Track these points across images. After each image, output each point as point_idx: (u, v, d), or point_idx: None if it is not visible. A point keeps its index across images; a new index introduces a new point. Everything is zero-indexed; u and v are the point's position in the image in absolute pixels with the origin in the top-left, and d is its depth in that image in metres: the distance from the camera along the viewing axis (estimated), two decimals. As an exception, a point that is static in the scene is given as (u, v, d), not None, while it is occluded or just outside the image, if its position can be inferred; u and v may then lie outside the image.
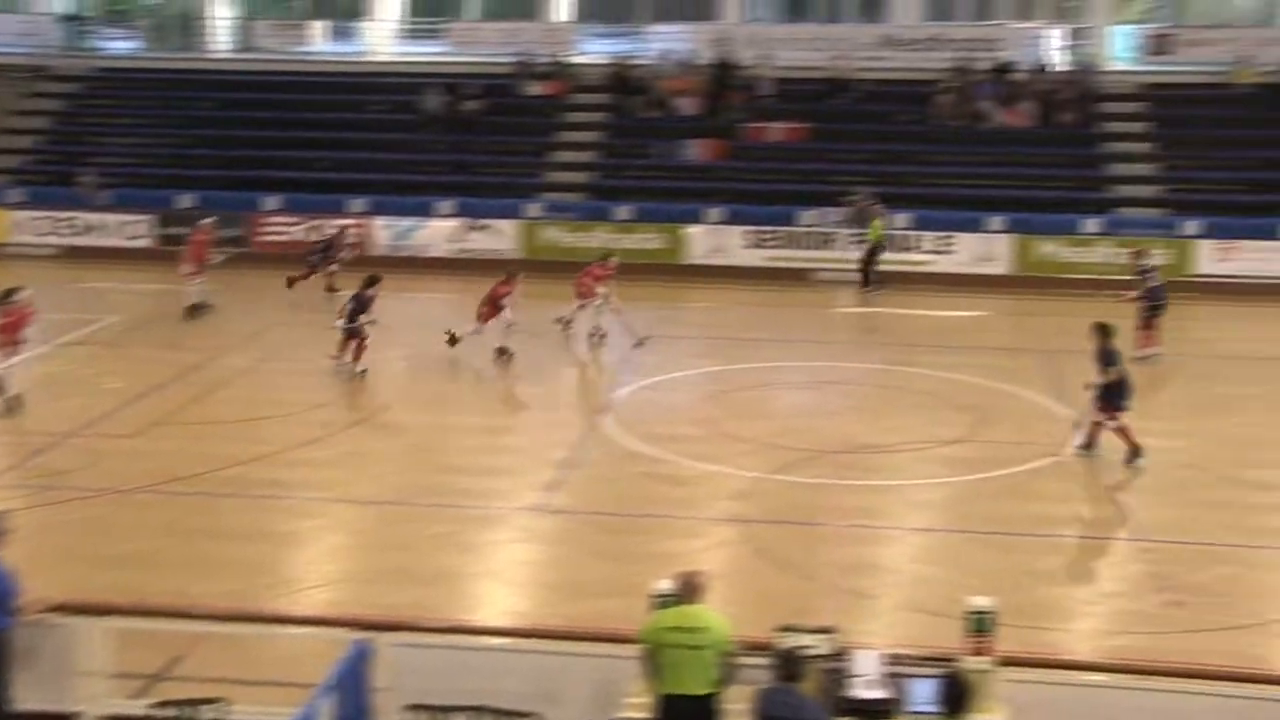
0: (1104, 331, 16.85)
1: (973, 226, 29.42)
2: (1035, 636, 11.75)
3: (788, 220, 29.95)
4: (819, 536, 14.40)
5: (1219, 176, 31.67)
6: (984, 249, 28.90)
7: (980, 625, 8.84)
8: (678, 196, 31.36)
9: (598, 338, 22.84)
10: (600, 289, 22.51)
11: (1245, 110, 32.30)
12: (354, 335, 20.58)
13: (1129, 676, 9.61)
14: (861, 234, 28.62)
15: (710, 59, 34.03)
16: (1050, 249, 29.01)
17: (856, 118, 33.05)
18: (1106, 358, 16.62)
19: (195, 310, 24.29)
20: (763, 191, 31.39)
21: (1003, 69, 33.05)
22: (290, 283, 25.85)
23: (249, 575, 13.06)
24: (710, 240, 29.59)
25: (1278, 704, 9.19)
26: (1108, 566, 14.02)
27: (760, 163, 32.42)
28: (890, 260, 28.53)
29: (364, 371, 20.49)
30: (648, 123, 33.55)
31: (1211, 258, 28.20)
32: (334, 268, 26.13)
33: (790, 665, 8.36)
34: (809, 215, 29.86)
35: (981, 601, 8.93)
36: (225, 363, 21.48)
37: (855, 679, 8.66)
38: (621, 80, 34.14)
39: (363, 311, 20.55)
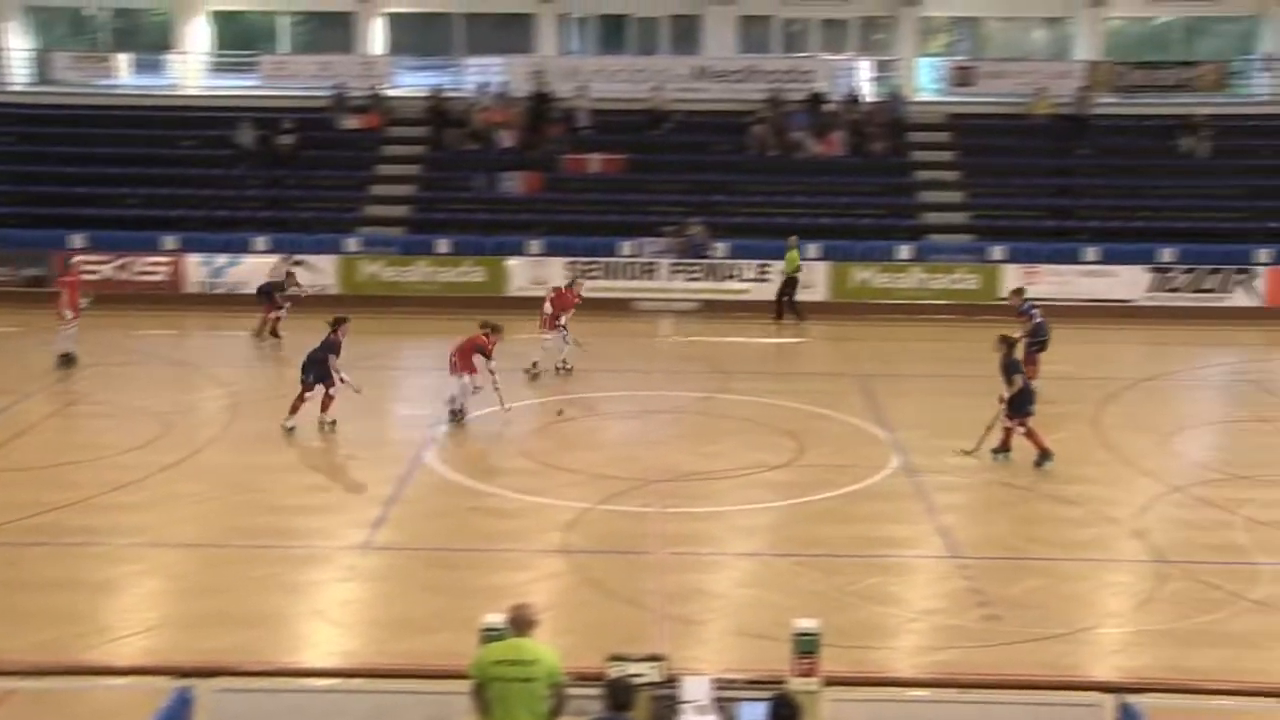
0: (1008, 344, 18.09)
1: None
2: (860, 655, 12.00)
3: (608, 251, 30.14)
4: (646, 565, 14.46)
5: (1020, 203, 32.93)
6: (801, 277, 29.47)
7: (806, 647, 8.96)
8: (498, 229, 31.33)
9: (564, 370, 22.81)
10: (562, 317, 22.83)
11: (1042, 140, 33.70)
12: (320, 381, 19.43)
13: (951, 690, 9.86)
14: (686, 263, 29.01)
15: (527, 91, 34.11)
16: (865, 275, 29.77)
17: (673, 148, 33.50)
18: (1011, 368, 17.90)
19: (67, 360, 22.89)
20: (583, 222, 31.55)
21: (815, 100, 33.87)
22: (259, 333, 24.82)
23: (61, 625, 12.54)
24: (531, 272, 29.60)
25: (1089, 708, 9.53)
26: (927, 584, 14.38)
27: (579, 194, 32.61)
28: (709, 289, 28.97)
29: (333, 423, 19.53)
30: (466, 155, 33.45)
31: (1015, 282, 29.24)
32: (280, 313, 25.04)
33: (621, 694, 8.36)
34: (629, 245, 30.12)
35: (807, 623, 9.06)
36: (29, 407, 20.66)
37: (685, 705, 8.70)
38: (438, 113, 33.98)
39: (333, 355, 19.34)
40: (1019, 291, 23.19)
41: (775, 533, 15.78)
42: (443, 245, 30.49)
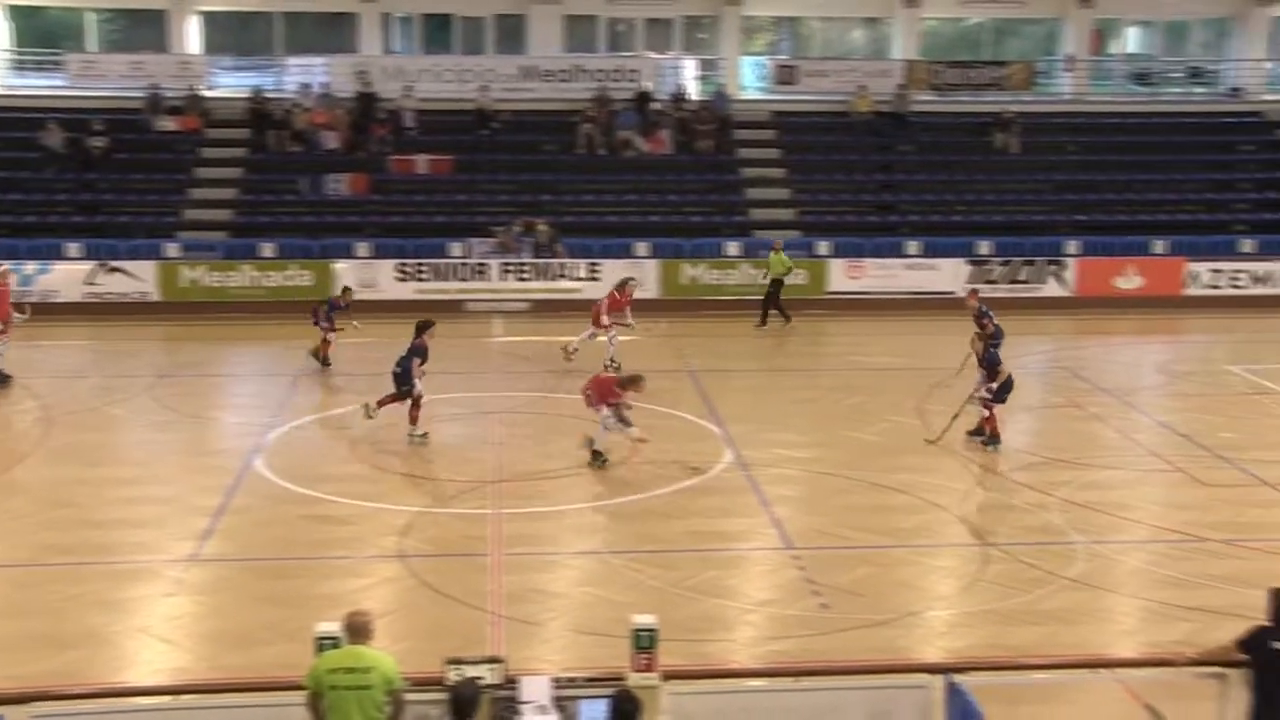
0: (984, 339, 19.17)
1: (620, 253, 30.16)
2: (699, 648, 12.13)
3: (438, 252, 29.89)
4: (484, 567, 14.39)
5: (844, 199, 33.65)
6: (631, 275, 29.60)
7: (644, 642, 9.02)
8: (325, 231, 30.82)
9: (613, 368, 22.52)
10: (605, 318, 23.07)
11: (864, 137, 34.50)
12: (409, 394, 18.88)
13: (788, 679, 10.04)
14: (517, 263, 28.95)
15: (351, 91, 33.63)
16: (694, 272, 30.07)
17: (502, 148, 33.39)
18: (992, 360, 18.76)
19: (3, 380, 21.88)
20: (411, 224, 31.25)
21: (642, 98, 34.09)
22: (319, 355, 23.42)
23: None
24: (360, 275, 29.19)
25: (918, 690, 9.80)
26: (763, 576, 14.59)
27: (407, 195, 32.29)
28: (541, 289, 28.97)
29: (425, 435, 18.95)
30: (290, 158, 32.82)
31: (842, 276, 29.91)
32: (334, 335, 23.46)
33: (460, 699, 8.31)
34: (459, 247, 29.92)
35: (645, 619, 9.12)
36: None
37: (525, 706, 8.69)
38: (259, 114, 33.27)
39: (419, 359, 18.89)
40: (975, 293, 23.00)
41: (612, 530, 15.84)
42: (267, 249, 29.86)
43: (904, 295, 29.67)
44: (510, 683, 8.86)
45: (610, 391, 17.99)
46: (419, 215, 31.68)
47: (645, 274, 29.65)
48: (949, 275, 30.07)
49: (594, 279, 29.44)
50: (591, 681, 9.05)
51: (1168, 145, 34.83)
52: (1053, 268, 30.27)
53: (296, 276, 29.23)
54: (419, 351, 19.10)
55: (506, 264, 29.39)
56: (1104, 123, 35.57)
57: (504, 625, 12.93)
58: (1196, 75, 38.76)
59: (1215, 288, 29.94)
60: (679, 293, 29.73)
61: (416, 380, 18.92)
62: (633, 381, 18.04)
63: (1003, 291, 29.69)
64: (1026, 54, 38.60)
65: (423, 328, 19.40)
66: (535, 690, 8.82)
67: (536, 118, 34.12)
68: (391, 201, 32.11)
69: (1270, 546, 15.18)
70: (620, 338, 23.48)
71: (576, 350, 23.58)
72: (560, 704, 8.76)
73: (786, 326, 27.62)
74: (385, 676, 8.47)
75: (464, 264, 29.69)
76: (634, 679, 8.90)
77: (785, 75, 35.86)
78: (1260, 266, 30.46)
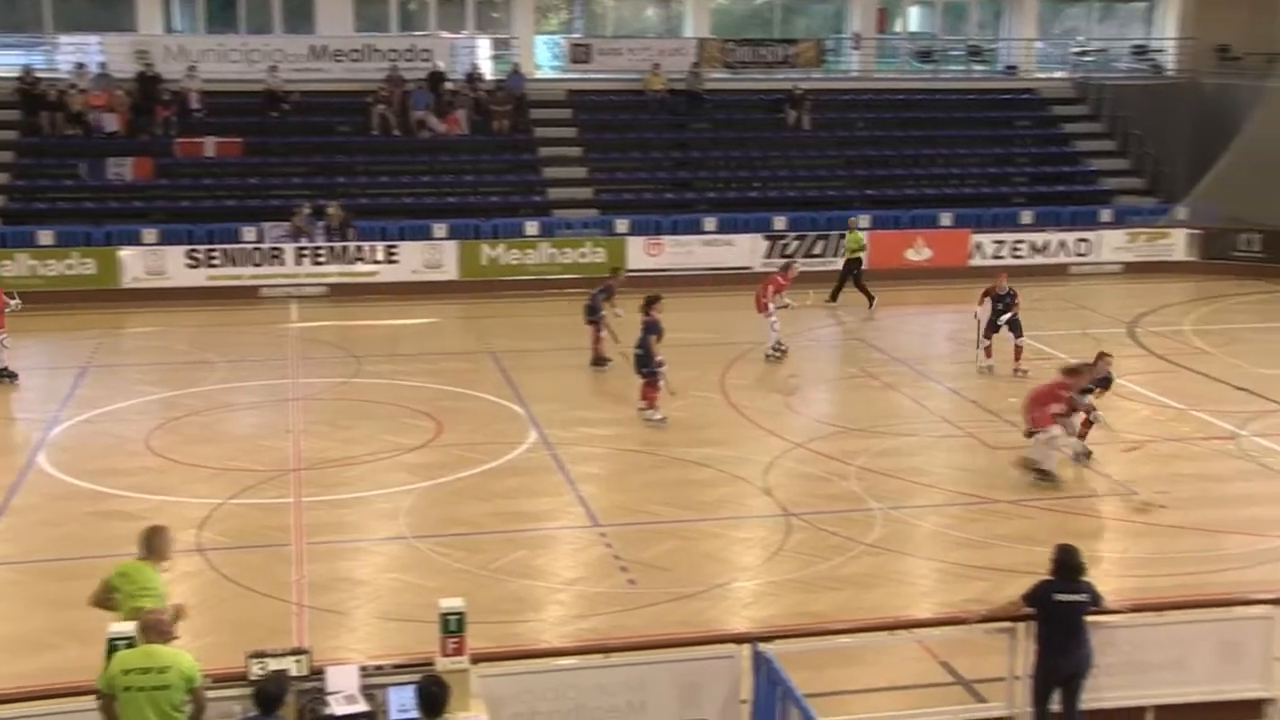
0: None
1: (417, 235, 29.79)
2: (508, 630, 12.11)
3: (230, 238, 29.05)
4: (286, 557, 14.09)
5: (641, 177, 33.85)
6: (430, 256, 29.35)
7: (452, 626, 8.97)
8: (108, 218, 29.65)
9: (777, 354, 22.44)
10: (769, 303, 22.54)
11: (659, 115, 34.77)
12: (654, 374, 18.81)
13: (597, 656, 10.10)
14: (312, 247, 28.39)
15: (131, 72, 32.39)
16: (494, 253, 29.87)
17: (293, 130, 32.64)
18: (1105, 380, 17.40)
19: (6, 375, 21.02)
20: (201, 209, 30.33)
21: (436, 78, 33.69)
22: (599, 361, 22.13)
23: None
24: (147, 262, 28.19)
25: (726, 660, 9.99)
26: (570, 554, 14.63)
27: (196, 179, 31.32)
28: (337, 273, 28.48)
29: (663, 418, 18.91)
30: (67, 141, 31.48)
31: (641, 254, 30.09)
32: (605, 331, 21.97)
33: (265, 694, 8.13)
34: (251, 231, 29.14)
35: (452, 603, 9.06)
36: None
37: (333, 696, 8.56)
38: (31, 95, 31.80)
39: (654, 336, 18.81)
40: (1004, 275, 22.77)
41: (417, 515, 15.67)
42: (45, 237, 28.60)
43: (702, 271, 30.03)
44: (317, 674, 8.72)
45: (1054, 396, 16.35)
46: (209, 199, 30.77)
47: (444, 255, 29.37)
48: (745, 251, 30.53)
49: (392, 262, 29.03)
50: (400, 668, 8.97)
51: (950, 121, 36.03)
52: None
53: (79, 265, 28.04)
54: (653, 328, 19.12)
55: (302, 248, 28.75)
56: (891, 99, 36.58)
57: (309, 615, 12.69)
58: (975, 54, 40.13)
59: (998, 258, 31.06)
60: (478, 273, 29.51)
61: (658, 358, 18.88)
62: (1082, 367, 16.74)
63: (800, 266, 30.23)
64: (815, 32, 39.40)
65: (651, 302, 19.41)
66: (343, 680, 8.70)
67: (328, 99, 33.43)
68: (179, 186, 31.09)
69: (1055, 505, 15.87)
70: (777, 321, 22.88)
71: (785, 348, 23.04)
72: (368, 692, 8.66)
73: (870, 309, 27.27)
74: (184, 675, 8.19)
75: (257, 249, 28.91)
76: (442, 664, 8.84)
77: (580, 54, 35.87)
78: (1039, 237, 31.75)
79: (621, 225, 30.84)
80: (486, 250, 29.85)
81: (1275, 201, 32.12)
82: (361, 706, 8.51)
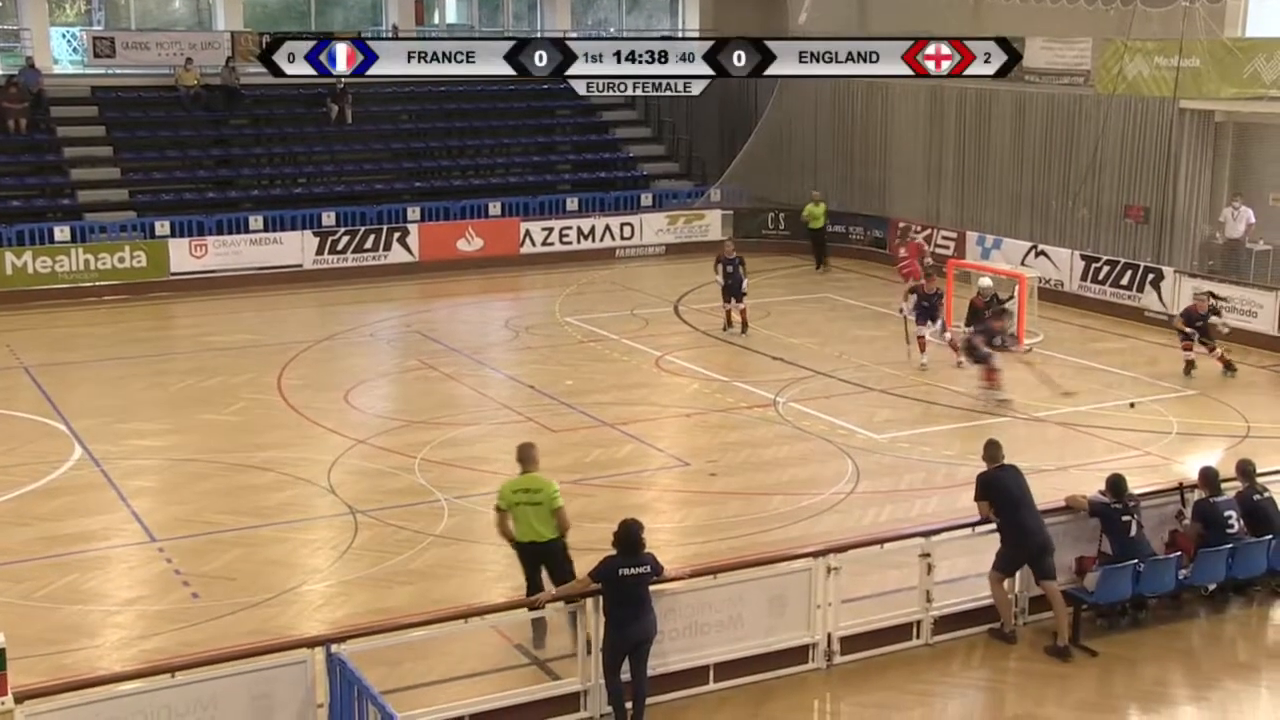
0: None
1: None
2: (59, 661, 11.41)
3: None
4: None
5: (180, 176, 32.40)
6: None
7: (-5, 664, 8.37)
8: None
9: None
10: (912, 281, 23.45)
11: (194, 111, 33.40)
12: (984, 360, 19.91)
13: (161, 677, 9.67)
14: None
15: None
16: (21, 261, 27.73)
17: None
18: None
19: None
20: None
21: (-61, 75, 30.97)
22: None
23: None
24: None
25: (298, 665, 9.82)
26: (127, 573, 13.90)
27: None
28: None
29: (1009, 399, 19.70)
30: None
31: (185, 256, 28.81)
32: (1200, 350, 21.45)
33: None
34: None
35: (-6, 639, 8.45)
36: None
37: None
38: None
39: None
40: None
41: (-52, 549, 14.43)
42: None
43: (250, 271, 29.14)
44: None
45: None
46: None
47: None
48: (294, 249, 29.84)
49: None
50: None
51: (494, 111, 36.55)
52: (396, 235, 30.89)
53: None
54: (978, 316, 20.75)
55: None
56: (434, 91, 36.66)
57: None
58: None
59: (548, 245, 31.85)
60: (5, 283, 27.31)
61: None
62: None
63: (352, 261, 29.96)
64: (351, 24, 38.92)
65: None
66: None
67: None
68: None
69: (612, 481, 16.51)
70: None
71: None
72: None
73: (819, 270, 30.42)
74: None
75: None
76: (-12, 705, 8.23)
77: (103, 48, 33.84)
78: (585, 223, 32.76)
79: (162, 227, 29.38)
80: (12, 259, 27.67)
81: (793, 183, 34.71)
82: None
